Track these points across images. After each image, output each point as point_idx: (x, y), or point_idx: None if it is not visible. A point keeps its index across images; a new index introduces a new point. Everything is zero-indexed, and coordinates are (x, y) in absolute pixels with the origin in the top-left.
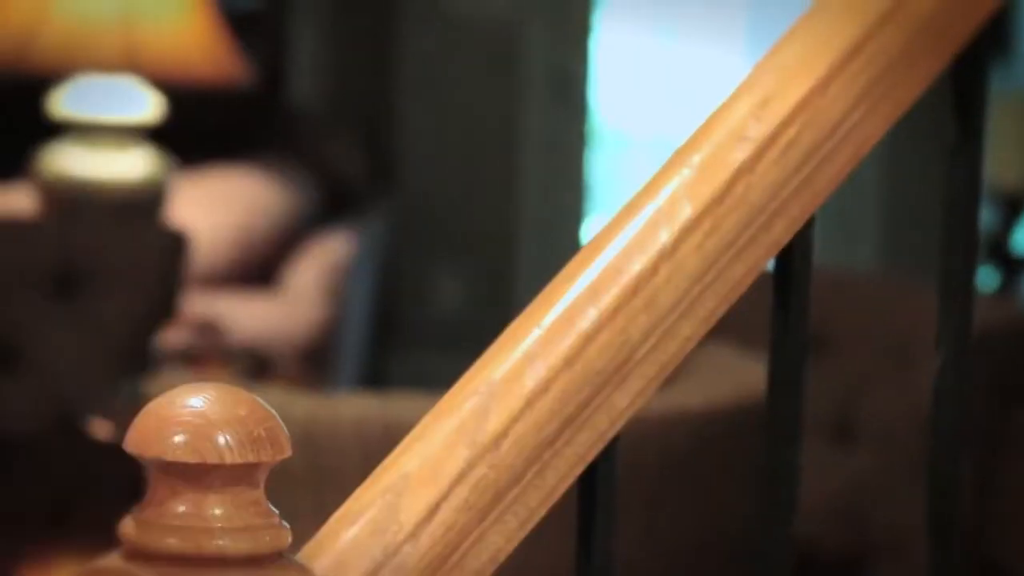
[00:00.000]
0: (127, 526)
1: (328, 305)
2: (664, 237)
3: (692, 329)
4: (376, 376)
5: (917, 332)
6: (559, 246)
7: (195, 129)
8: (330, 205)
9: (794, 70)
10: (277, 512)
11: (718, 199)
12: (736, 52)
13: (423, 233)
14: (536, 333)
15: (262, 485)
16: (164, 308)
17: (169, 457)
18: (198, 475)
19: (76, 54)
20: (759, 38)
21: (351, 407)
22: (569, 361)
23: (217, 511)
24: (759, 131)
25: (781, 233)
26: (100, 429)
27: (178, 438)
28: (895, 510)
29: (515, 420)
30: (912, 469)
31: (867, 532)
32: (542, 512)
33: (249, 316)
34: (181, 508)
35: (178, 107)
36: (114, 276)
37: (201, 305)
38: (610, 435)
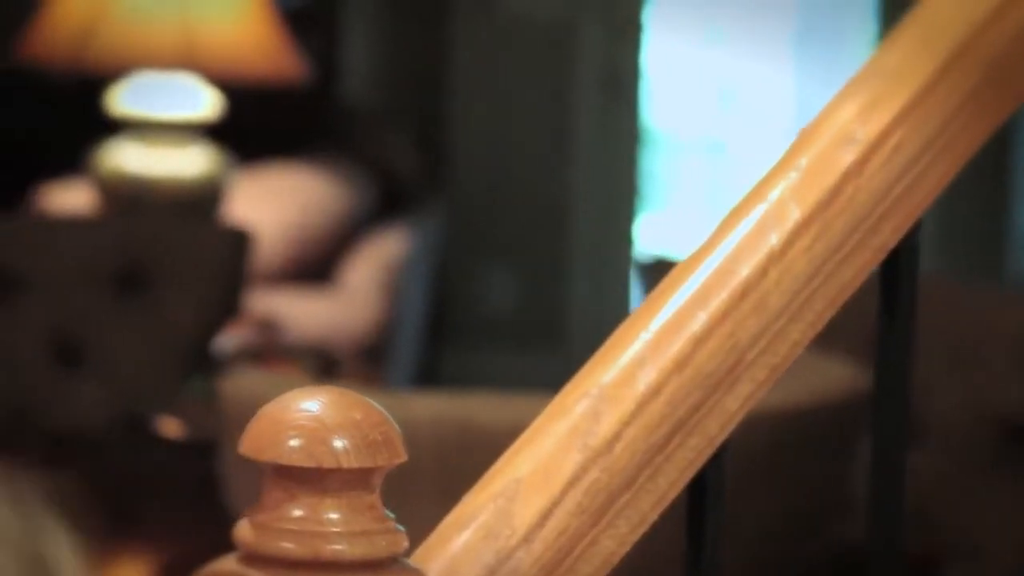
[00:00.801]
0: (243, 529)
1: (384, 303)
2: (773, 240)
3: (801, 333)
4: (429, 373)
5: (978, 332)
6: (611, 245)
7: (251, 126)
8: (384, 202)
9: (900, 73)
10: (393, 516)
11: (826, 202)
12: (785, 55)
13: (476, 231)
14: (645, 337)
15: (378, 489)
16: (227, 306)
17: (285, 461)
18: (314, 479)
19: (134, 52)
20: (808, 40)
21: (426, 406)
22: (680, 365)
23: (333, 515)
24: (866, 134)
25: (888, 237)
26: (169, 427)
27: (294, 442)
28: (966, 511)
29: (627, 423)
30: (980, 469)
31: (938, 534)
32: (654, 516)
33: (306, 314)
34: (297, 512)
35: (234, 104)
36: (177, 274)
37: (258, 302)
38: (720, 439)
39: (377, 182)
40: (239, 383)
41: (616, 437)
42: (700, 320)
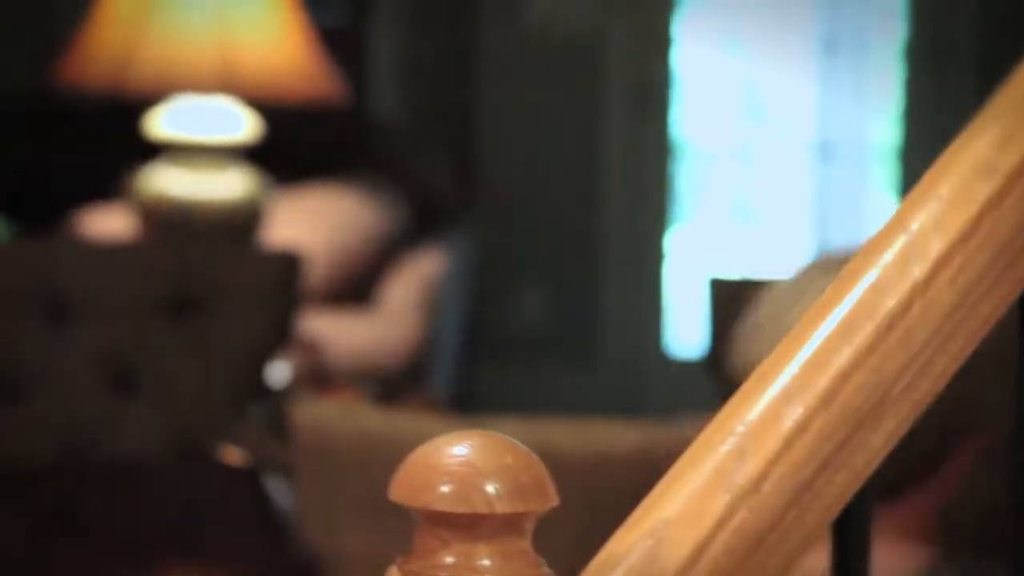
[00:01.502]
0: None
1: (423, 322)
2: (916, 272)
3: (944, 366)
4: (467, 391)
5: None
6: (643, 256)
7: (288, 147)
8: (420, 221)
9: None
10: (544, 562)
11: (968, 233)
12: (810, 65)
13: (509, 247)
14: (790, 372)
15: (530, 534)
16: (280, 330)
17: (437, 507)
18: (467, 525)
19: (173, 76)
20: (833, 50)
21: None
22: (826, 401)
23: (486, 561)
24: (1004, 165)
25: None
26: (230, 454)
27: (445, 487)
28: None
29: (774, 462)
30: None
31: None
32: (799, 555)
33: (347, 335)
34: (449, 559)
35: (272, 125)
36: (231, 299)
37: (300, 324)
38: (865, 475)
39: (412, 201)
40: (309, 413)
41: (763, 476)
42: (845, 355)
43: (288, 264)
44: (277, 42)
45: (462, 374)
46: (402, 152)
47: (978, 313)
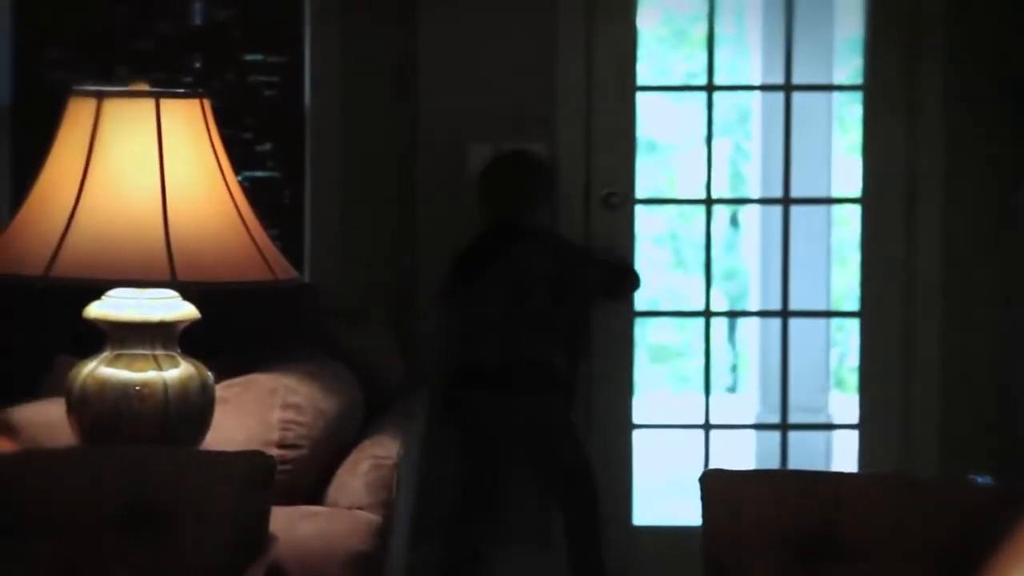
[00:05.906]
0: None
1: (377, 509)
2: None
3: None
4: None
5: None
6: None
7: (227, 331)
8: (370, 403)
9: None
10: None
11: None
12: None
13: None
14: None
15: None
16: (253, 544)
17: None
18: None
19: (112, 262)
20: None
21: None
22: None
23: None
24: None
25: None
26: None
27: None
28: None
29: None
30: None
31: None
32: None
33: (299, 528)
34: None
35: (211, 309)
36: (195, 510)
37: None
38: None
39: (362, 382)
40: None
41: None
42: None
43: (258, 466)
44: (218, 222)
45: (415, 558)
46: (346, 331)
47: None
